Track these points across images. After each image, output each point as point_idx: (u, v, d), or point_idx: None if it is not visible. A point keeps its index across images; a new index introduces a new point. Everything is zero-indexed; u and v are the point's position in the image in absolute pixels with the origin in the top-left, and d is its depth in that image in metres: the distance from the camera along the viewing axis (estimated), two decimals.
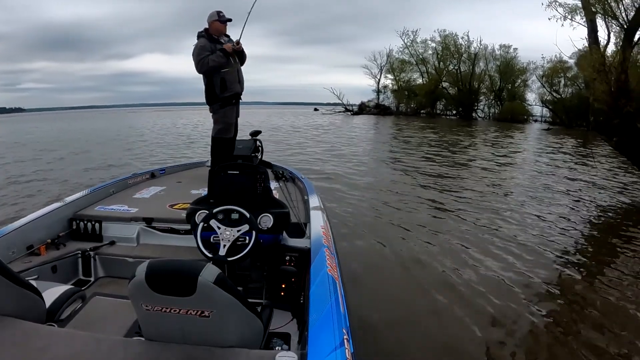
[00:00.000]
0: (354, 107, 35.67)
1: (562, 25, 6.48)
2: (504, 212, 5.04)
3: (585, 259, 3.67)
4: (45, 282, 1.54)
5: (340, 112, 35.81)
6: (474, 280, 3.10)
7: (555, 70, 27.53)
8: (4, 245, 1.87)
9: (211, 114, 3.59)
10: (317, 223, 2.02)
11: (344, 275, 1.68)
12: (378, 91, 37.58)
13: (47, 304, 1.33)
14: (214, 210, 1.77)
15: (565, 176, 7.88)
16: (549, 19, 6.58)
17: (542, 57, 28.78)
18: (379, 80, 37.46)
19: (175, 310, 0.98)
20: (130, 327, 1.39)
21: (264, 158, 4.18)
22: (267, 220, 1.85)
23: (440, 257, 3.56)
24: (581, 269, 3.39)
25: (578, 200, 5.84)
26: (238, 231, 1.72)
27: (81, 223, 2.33)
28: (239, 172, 2.01)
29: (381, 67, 37.16)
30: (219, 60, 3.35)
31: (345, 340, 1.06)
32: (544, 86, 29.85)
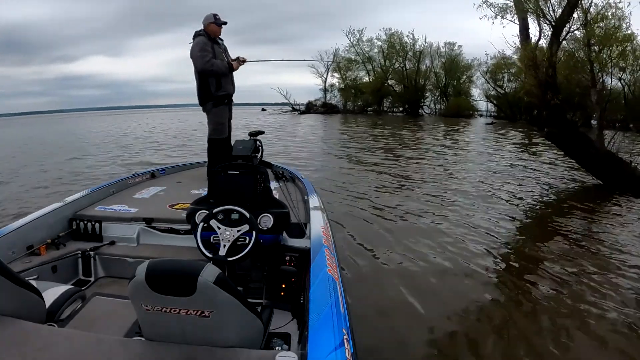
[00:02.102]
0: (301, 107, 35.62)
1: (493, 23, 6.82)
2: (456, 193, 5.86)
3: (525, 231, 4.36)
4: (45, 282, 1.54)
5: (287, 111, 35.62)
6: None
7: (498, 67, 28.18)
8: (4, 245, 1.87)
9: (205, 113, 3.62)
10: (317, 223, 2.02)
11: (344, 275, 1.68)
12: (325, 90, 37.83)
13: (47, 304, 1.33)
14: (214, 211, 1.77)
15: (496, 164, 8.75)
16: (480, 18, 6.93)
17: (486, 54, 29.56)
18: (326, 79, 37.79)
19: (175, 311, 0.98)
20: (130, 327, 1.39)
21: (264, 158, 4.17)
22: (267, 221, 1.85)
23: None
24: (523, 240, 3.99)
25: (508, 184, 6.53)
26: (238, 231, 1.72)
27: (81, 223, 2.33)
28: (239, 172, 2.01)
29: (328, 66, 37.42)
30: (222, 69, 3.42)
31: (345, 340, 1.06)
32: (487, 82, 31.06)
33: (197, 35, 3.43)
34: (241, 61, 3.61)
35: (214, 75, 3.43)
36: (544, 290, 2.83)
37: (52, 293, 1.42)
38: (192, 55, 3.40)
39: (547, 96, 5.92)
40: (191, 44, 3.43)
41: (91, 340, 1.10)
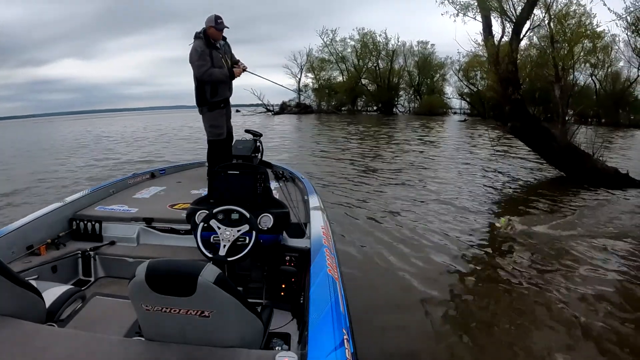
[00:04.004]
0: (274, 107, 35.42)
1: (455, 21, 6.86)
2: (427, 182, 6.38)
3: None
4: (45, 282, 1.54)
5: (261, 112, 35.38)
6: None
7: (471, 64, 27.83)
8: (4, 245, 1.87)
9: (201, 115, 3.63)
10: (317, 223, 2.01)
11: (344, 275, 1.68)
12: (299, 90, 37.54)
13: (47, 304, 1.33)
14: (214, 211, 1.77)
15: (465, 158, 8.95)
16: (442, 14, 6.95)
17: (458, 52, 29.24)
18: (300, 79, 37.59)
19: (175, 310, 0.98)
20: (130, 327, 1.39)
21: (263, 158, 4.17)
22: (267, 220, 1.85)
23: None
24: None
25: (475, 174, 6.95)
26: (238, 231, 1.72)
27: (81, 223, 2.33)
28: (239, 172, 2.01)
29: (301, 66, 37.26)
30: (221, 78, 3.42)
31: (345, 340, 1.06)
32: (460, 80, 31.08)
33: (197, 36, 3.39)
34: (243, 69, 3.61)
35: (211, 83, 3.41)
36: (504, 272, 3.08)
37: (52, 293, 1.42)
38: (190, 62, 3.38)
39: (508, 91, 6.08)
40: (190, 46, 3.39)
41: (91, 340, 1.10)
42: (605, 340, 2.17)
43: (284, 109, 35.31)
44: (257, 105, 36.74)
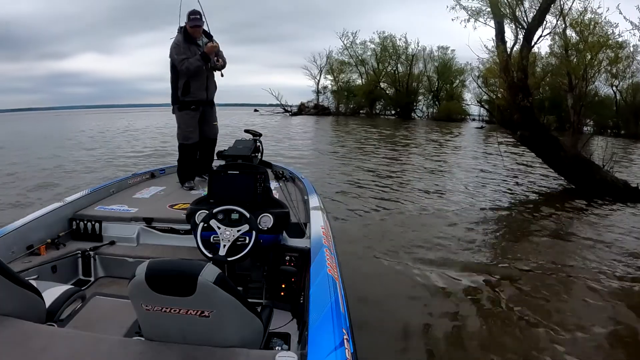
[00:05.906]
0: (293, 108, 35.34)
1: (465, 26, 6.82)
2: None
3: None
4: (45, 282, 1.54)
5: (279, 112, 35.31)
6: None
7: (490, 71, 27.55)
8: (4, 245, 1.87)
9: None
10: (317, 223, 2.02)
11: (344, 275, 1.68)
12: (318, 92, 37.53)
13: (47, 304, 1.33)
14: (214, 210, 1.77)
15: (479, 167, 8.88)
16: (452, 19, 6.95)
17: (478, 59, 28.87)
18: (319, 81, 37.54)
19: (175, 310, 0.98)
20: (130, 327, 1.38)
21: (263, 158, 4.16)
22: (267, 220, 1.85)
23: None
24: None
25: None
26: (238, 231, 1.72)
27: (81, 223, 2.33)
28: (239, 172, 2.01)
29: (321, 68, 37.27)
30: (196, 64, 3.17)
31: (345, 340, 1.06)
32: (479, 87, 30.13)
33: (178, 30, 3.24)
34: (213, 45, 3.25)
35: (186, 78, 3.22)
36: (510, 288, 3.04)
37: (52, 293, 1.42)
38: (170, 56, 3.22)
39: (517, 98, 6.00)
40: (172, 40, 3.23)
41: (91, 340, 1.10)
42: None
43: (301, 110, 35.26)
44: (275, 105, 36.84)
